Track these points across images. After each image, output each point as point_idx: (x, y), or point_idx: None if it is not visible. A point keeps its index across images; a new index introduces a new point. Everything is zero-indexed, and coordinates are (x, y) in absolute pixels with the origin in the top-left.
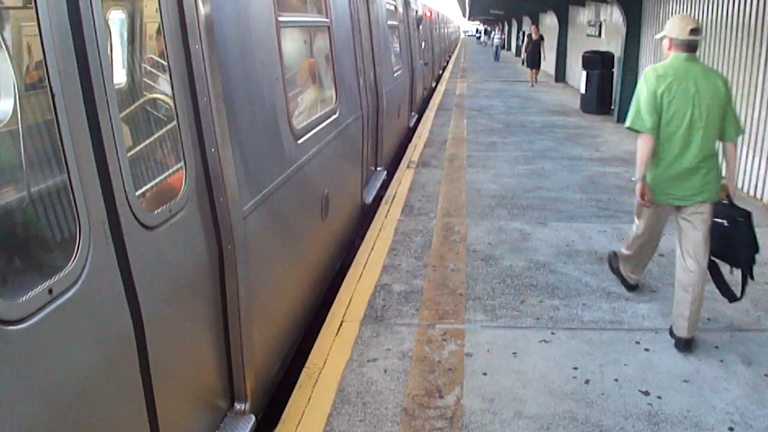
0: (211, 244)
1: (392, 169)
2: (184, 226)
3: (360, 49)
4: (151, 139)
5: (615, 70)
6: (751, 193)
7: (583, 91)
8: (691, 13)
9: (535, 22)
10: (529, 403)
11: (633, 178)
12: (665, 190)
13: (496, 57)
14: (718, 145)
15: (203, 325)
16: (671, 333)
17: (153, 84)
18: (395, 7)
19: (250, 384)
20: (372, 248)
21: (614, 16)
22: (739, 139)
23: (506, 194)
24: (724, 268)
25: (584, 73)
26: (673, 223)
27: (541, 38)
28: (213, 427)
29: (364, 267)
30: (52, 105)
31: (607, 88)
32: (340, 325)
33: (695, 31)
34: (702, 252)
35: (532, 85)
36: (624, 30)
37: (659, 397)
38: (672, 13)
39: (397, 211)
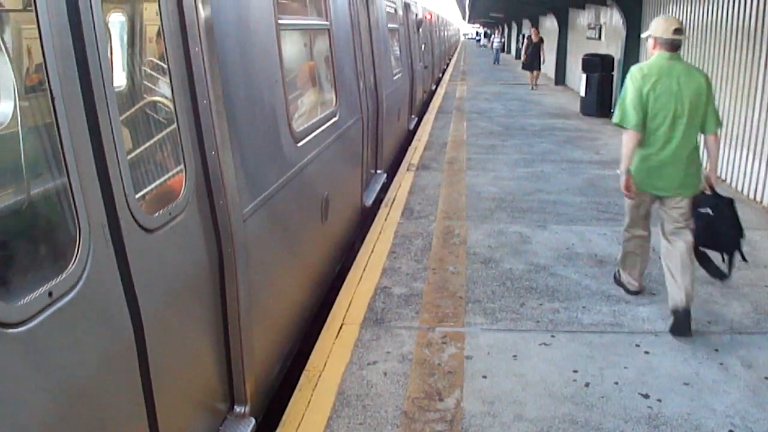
0: (211, 247)
1: (392, 172)
2: (183, 229)
3: (360, 52)
4: (151, 141)
5: (615, 73)
6: (751, 196)
7: (582, 93)
8: (690, 16)
9: (535, 24)
10: (529, 406)
11: (617, 171)
12: (648, 181)
13: (496, 60)
14: (700, 138)
15: (203, 328)
16: (671, 330)
17: (153, 87)
18: (395, 10)
19: (250, 387)
20: (372, 251)
21: (614, 18)
22: (739, 141)
23: (506, 197)
24: (716, 258)
25: (584, 76)
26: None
27: (541, 41)
28: (213, 429)
29: (364, 270)
30: (52, 108)
31: (606, 91)
32: (340, 327)
33: (678, 30)
34: (683, 230)
35: (532, 88)
36: (624, 33)
37: (659, 400)
38: (672, 15)
39: (397, 213)
